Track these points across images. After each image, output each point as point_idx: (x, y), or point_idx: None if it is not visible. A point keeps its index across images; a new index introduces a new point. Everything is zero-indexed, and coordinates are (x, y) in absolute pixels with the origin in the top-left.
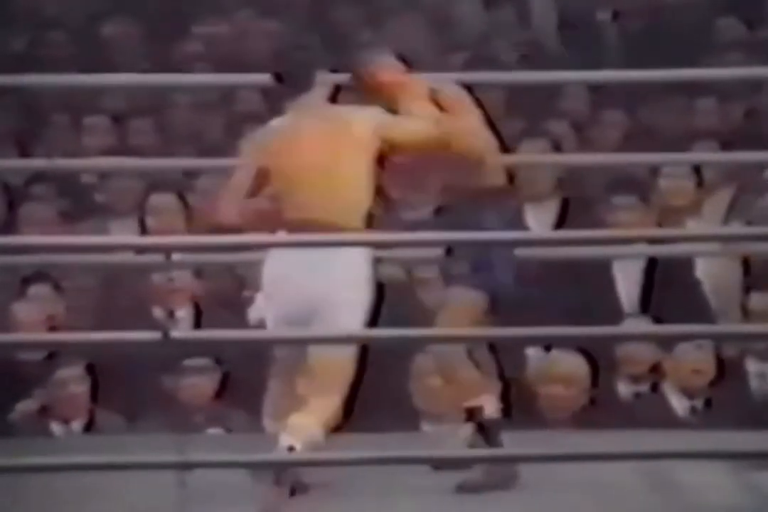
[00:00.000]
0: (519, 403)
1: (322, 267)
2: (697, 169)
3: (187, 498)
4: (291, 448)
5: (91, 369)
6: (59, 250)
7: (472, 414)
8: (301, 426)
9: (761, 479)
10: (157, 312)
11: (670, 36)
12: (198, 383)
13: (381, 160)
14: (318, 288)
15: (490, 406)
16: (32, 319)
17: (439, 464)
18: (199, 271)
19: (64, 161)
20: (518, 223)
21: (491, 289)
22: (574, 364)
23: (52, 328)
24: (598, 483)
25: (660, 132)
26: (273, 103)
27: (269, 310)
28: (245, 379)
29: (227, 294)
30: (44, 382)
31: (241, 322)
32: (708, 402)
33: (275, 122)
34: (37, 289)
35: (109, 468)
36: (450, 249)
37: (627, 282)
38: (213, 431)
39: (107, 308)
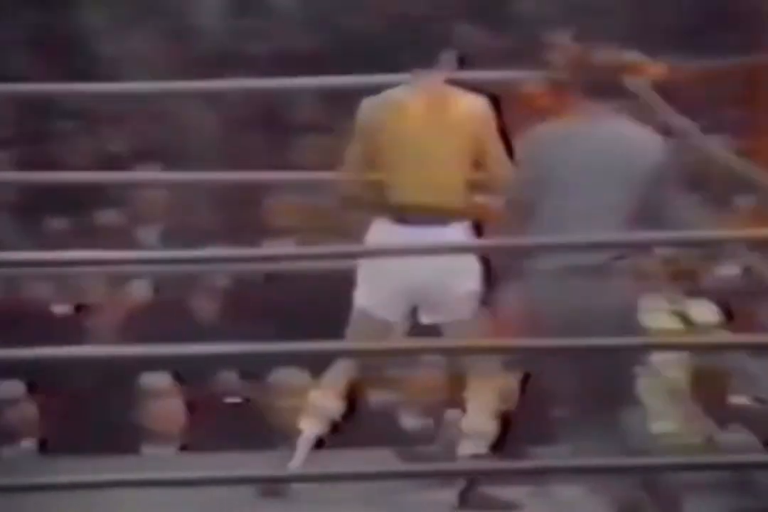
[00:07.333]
0: None
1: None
2: None
3: None
4: (477, 456)
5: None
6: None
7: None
8: (477, 430)
9: None
10: None
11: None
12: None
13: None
14: (429, 263)
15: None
16: None
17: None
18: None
19: (71, 174)
20: None
21: None
22: None
23: None
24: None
25: None
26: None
27: (367, 292)
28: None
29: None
30: None
31: None
32: None
33: (386, 95)
34: None
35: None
36: None
37: None
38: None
39: None
